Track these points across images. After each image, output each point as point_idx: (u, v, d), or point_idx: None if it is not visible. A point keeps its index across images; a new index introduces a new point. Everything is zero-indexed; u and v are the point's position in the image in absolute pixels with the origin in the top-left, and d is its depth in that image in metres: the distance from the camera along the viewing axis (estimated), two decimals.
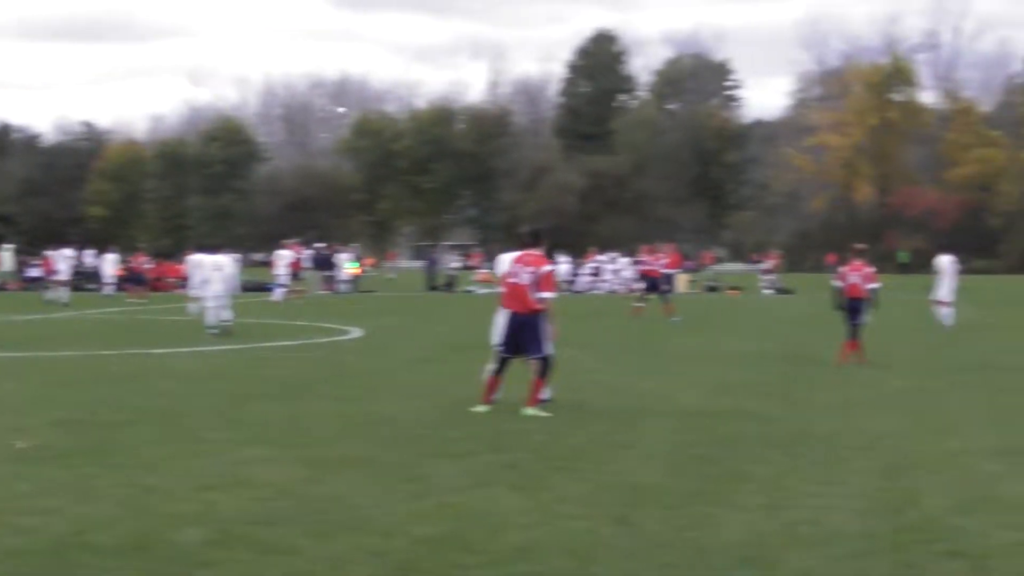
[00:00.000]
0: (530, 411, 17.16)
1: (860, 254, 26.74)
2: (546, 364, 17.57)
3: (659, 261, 44.73)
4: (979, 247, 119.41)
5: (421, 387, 20.90)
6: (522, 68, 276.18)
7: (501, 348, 17.91)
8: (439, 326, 38.61)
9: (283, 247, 59.45)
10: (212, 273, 34.13)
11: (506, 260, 18.67)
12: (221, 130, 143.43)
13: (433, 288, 71.27)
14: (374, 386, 21.05)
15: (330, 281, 68.88)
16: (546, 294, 17.48)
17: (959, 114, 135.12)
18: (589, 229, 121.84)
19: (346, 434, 15.31)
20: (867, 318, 25.76)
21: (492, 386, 17.81)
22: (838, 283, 26.40)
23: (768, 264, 75.33)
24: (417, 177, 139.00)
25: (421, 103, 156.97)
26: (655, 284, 43.66)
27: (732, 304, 52.00)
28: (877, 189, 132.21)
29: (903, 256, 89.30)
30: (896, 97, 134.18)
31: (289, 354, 28.22)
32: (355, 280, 70.65)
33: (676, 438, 15.12)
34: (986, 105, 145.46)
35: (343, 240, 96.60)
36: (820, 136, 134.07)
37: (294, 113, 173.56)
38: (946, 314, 36.23)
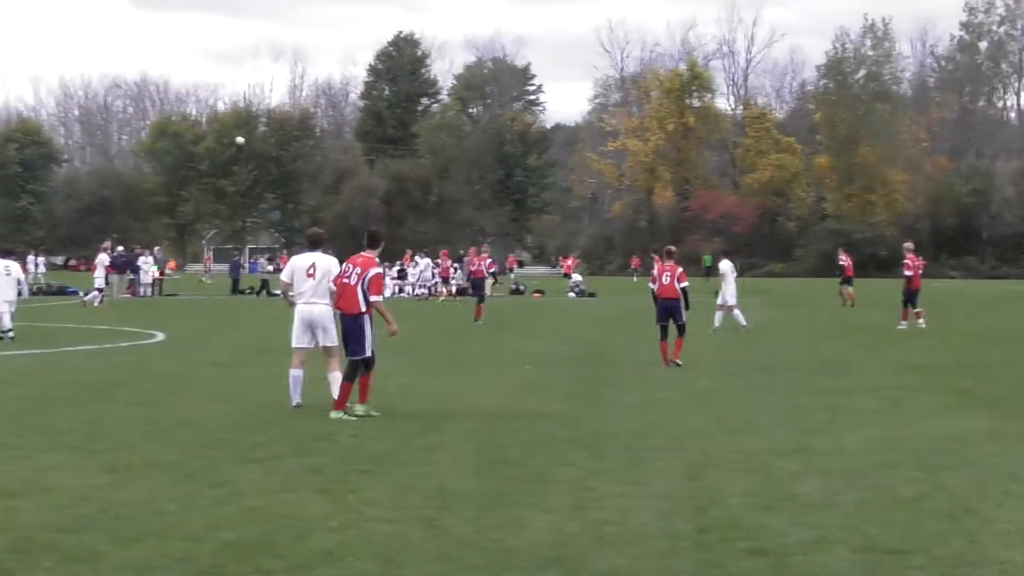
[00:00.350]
0: (336, 415, 17.10)
1: (671, 256, 27.14)
2: (366, 365, 17.47)
3: (484, 262, 44.97)
4: (775, 251, 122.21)
5: (224, 391, 20.69)
6: (324, 71, 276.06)
7: (347, 352, 17.72)
8: (242, 330, 38.29)
9: (102, 250, 58.71)
10: (2, 278, 33.07)
11: (297, 263, 18.60)
12: (17, 131, 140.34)
13: (239, 292, 70.52)
14: (177, 390, 20.77)
15: (132, 284, 67.77)
16: (373, 296, 17.37)
17: (754, 120, 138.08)
18: (393, 232, 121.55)
19: (149, 439, 15.08)
20: (685, 317, 26.09)
21: (364, 386, 17.59)
22: (652, 285, 26.77)
23: (564, 267, 76.58)
24: (219, 180, 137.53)
25: (222, 105, 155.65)
26: (479, 285, 43.80)
27: (537, 307, 52.41)
28: (677, 193, 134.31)
29: (707, 259, 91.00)
30: (694, 103, 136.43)
31: (91, 358, 27.70)
32: (157, 283, 69.62)
33: (482, 440, 15.17)
34: (780, 111, 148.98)
35: (144, 243, 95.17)
36: (620, 141, 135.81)
37: (92, 115, 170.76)
38: (738, 315, 36.96)
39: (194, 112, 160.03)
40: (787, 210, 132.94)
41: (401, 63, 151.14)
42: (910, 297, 38.40)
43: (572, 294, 69.04)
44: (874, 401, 19.49)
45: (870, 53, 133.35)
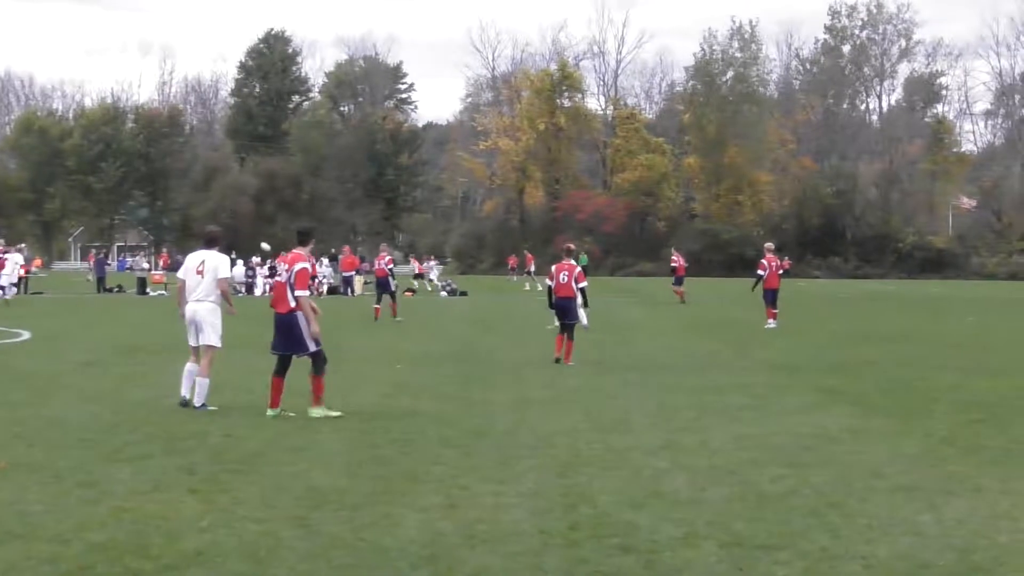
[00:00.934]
0: (315, 412, 17.12)
1: (569, 254, 27.37)
2: (320, 361, 17.46)
3: (384, 260, 44.75)
4: (645, 250, 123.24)
5: (92, 390, 20.44)
6: (193, 67, 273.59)
7: (272, 347, 17.68)
8: (109, 328, 37.80)
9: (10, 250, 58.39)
10: None
11: (189, 262, 18.55)
12: None
13: (105, 290, 69.66)
14: (43, 389, 20.49)
15: None
16: (298, 292, 17.30)
17: (624, 121, 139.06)
18: (264, 230, 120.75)
19: (15, 439, 14.88)
20: (582, 318, 26.30)
21: (277, 388, 17.50)
22: (549, 282, 26.96)
23: (418, 267, 77.30)
24: (86, 177, 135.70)
25: (89, 101, 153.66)
26: (385, 284, 43.63)
27: (408, 305, 52.26)
28: (547, 193, 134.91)
29: (583, 259, 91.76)
30: (565, 103, 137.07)
31: None
32: (22, 281, 68.55)
33: (353, 439, 15.16)
34: (649, 112, 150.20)
35: (9, 240, 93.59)
36: (492, 140, 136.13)
37: None
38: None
39: (61, 108, 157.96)
40: (656, 210, 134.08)
41: (272, 60, 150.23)
42: (770, 296, 38.94)
43: (444, 293, 69.08)
44: (742, 399, 19.74)
45: (737, 55, 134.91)
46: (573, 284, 26.24)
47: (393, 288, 43.62)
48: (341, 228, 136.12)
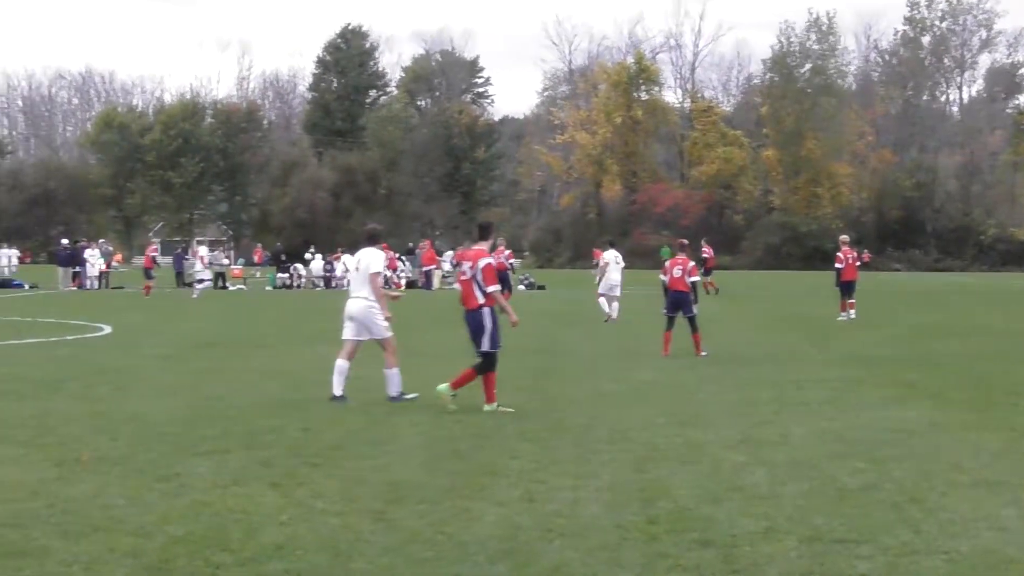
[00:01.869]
0: (489, 407, 17.15)
1: (682, 249, 27.60)
2: (489, 359, 17.43)
3: (503, 255, 45.27)
4: (723, 243, 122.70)
5: (172, 384, 20.61)
6: (271, 63, 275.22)
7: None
8: (188, 323, 38.09)
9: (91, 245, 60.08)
10: None
11: (350, 259, 18.82)
12: None
13: (184, 285, 70.19)
14: (125, 384, 20.68)
15: (78, 277, 67.44)
16: (489, 288, 17.35)
17: (701, 114, 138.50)
18: (341, 225, 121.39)
19: (97, 433, 15.01)
20: (695, 310, 26.65)
21: (487, 386, 17.55)
22: (663, 277, 27.18)
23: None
24: (166, 172, 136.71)
25: (168, 97, 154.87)
26: (503, 278, 43.98)
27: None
28: (624, 186, 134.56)
29: (666, 252, 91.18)
30: (641, 96, 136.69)
31: (37, 351, 27.53)
32: (104, 276, 69.29)
33: (432, 433, 15.18)
34: (726, 105, 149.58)
35: (90, 236, 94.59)
36: (568, 134, 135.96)
37: (36, 106, 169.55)
38: (602, 304, 37.82)
39: (140, 104, 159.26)
40: (734, 203, 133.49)
41: (349, 55, 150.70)
42: (844, 289, 38.79)
43: (522, 287, 69.09)
44: (821, 392, 19.60)
45: (815, 47, 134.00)
46: (686, 278, 26.55)
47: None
48: (418, 223, 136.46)
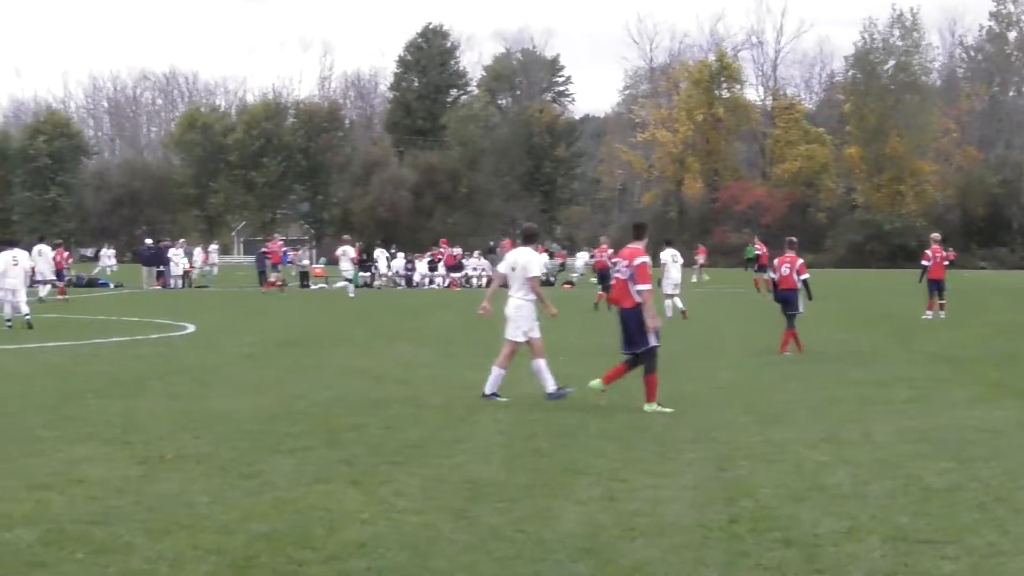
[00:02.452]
0: (649, 407, 17.14)
1: (791, 246, 27.59)
2: (651, 357, 17.43)
3: (605, 253, 45.66)
4: (805, 241, 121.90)
5: (255, 383, 20.74)
6: (353, 62, 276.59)
7: (621, 347, 17.81)
8: (270, 322, 38.33)
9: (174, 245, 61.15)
10: (10, 267, 34.00)
11: (508, 258, 18.90)
12: (46, 124, 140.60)
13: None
14: (208, 382, 20.84)
15: (162, 277, 68.03)
16: (642, 286, 17.39)
17: (783, 111, 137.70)
18: (423, 224, 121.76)
19: (181, 431, 15.13)
20: (801, 308, 26.71)
21: (619, 371, 17.76)
22: (772, 275, 27.23)
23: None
24: (248, 171, 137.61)
25: (251, 97, 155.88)
26: (606, 275, 44.44)
27: (568, 298, 52.19)
28: (706, 184, 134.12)
29: (750, 251, 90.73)
30: (723, 94, 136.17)
31: (122, 350, 27.79)
32: (187, 275, 69.87)
33: (512, 431, 15.18)
34: (808, 102, 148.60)
35: (174, 235, 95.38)
36: (650, 132, 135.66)
37: (121, 107, 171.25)
38: (668, 305, 37.78)
39: (223, 104, 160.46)
40: (817, 201, 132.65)
41: (430, 54, 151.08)
42: (933, 287, 38.39)
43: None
44: (906, 391, 19.45)
45: (899, 44, 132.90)
46: (795, 276, 26.53)
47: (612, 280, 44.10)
48: (499, 221, 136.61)
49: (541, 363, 18.43)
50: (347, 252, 59.89)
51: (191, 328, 34.22)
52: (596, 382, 17.56)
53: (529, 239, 19.26)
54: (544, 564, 9.08)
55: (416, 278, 71.82)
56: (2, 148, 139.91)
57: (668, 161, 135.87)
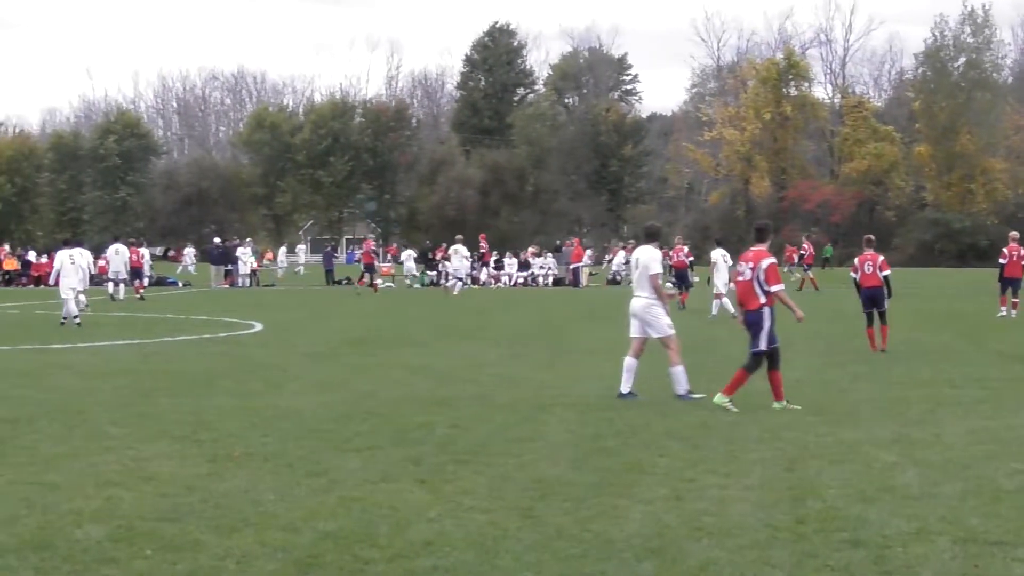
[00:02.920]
0: (720, 400, 17.18)
1: (869, 244, 27.61)
2: (755, 360, 17.45)
3: (683, 252, 45.89)
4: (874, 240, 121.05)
5: (323, 381, 20.83)
6: (420, 61, 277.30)
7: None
8: (337, 320, 38.49)
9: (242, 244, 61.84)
10: (68, 266, 34.77)
11: (630, 256, 18.98)
12: (116, 124, 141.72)
13: (334, 282, 70.90)
14: (276, 380, 20.95)
15: (230, 275, 68.51)
16: (774, 287, 17.45)
17: (852, 109, 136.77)
18: (489, 223, 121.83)
19: (249, 428, 15.22)
20: (887, 304, 26.75)
21: (776, 382, 17.56)
22: (853, 275, 27.26)
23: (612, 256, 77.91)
24: (315, 171, 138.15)
25: (319, 96, 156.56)
26: (683, 276, 44.78)
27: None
28: (773, 183, 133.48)
29: (828, 250, 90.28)
30: (791, 92, 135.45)
31: (191, 348, 27.99)
32: (254, 274, 70.29)
33: (579, 430, 15.16)
34: (878, 100, 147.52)
35: (242, 234, 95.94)
36: (717, 130, 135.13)
37: (190, 107, 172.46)
38: (716, 304, 38.19)
39: (291, 103, 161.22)
40: (885, 199, 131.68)
41: (497, 53, 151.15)
42: (1007, 285, 38.07)
43: (669, 284, 68.75)
44: (977, 392, 19.28)
45: (970, 40, 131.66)
46: (879, 273, 26.57)
47: (692, 280, 44.41)
48: (565, 220, 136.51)
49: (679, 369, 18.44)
50: (459, 251, 60.19)
51: (259, 326, 34.42)
52: (719, 397, 17.37)
53: (651, 237, 19.17)
54: (610, 563, 9.06)
55: (483, 277, 71.91)
56: (73, 148, 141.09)
57: (735, 160, 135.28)
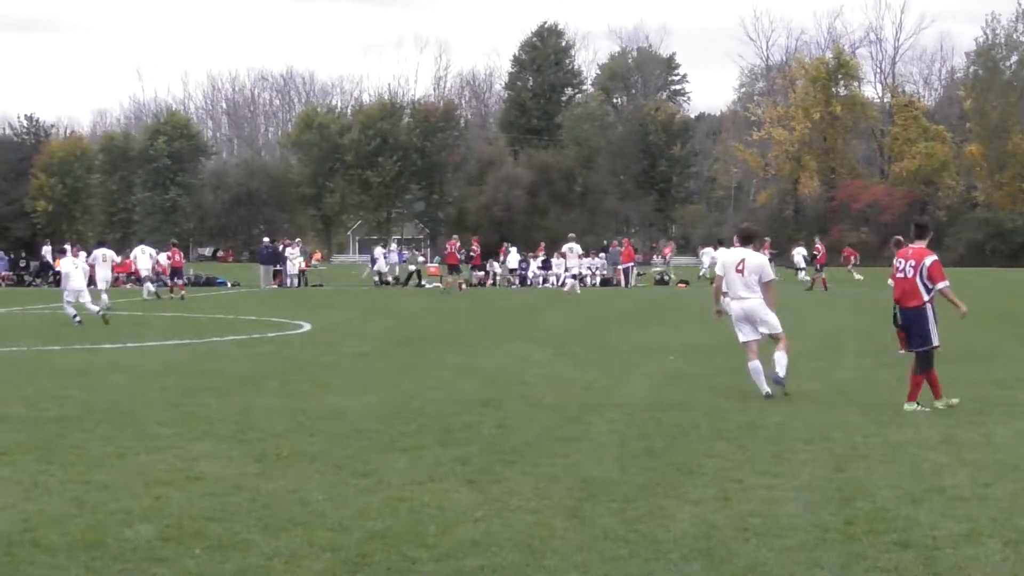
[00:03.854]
0: (909, 407, 17.04)
1: (899, 245, 27.41)
2: (927, 358, 17.42)
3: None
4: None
5: (370, 381, 20.85)
6: (468, 62, 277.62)
7: (909, 346, 17.90)
8: (385, 321, 38.54)
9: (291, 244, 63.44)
10: (72, 269, 36.32)
11: (727, 259, 18.83)
12: (166, 125, 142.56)
13: (382, 283, 71.00)
14: (324, 380, 20.99)
15: (279, 275, 68.73)
16: (939, 284, 17.54)
17: (902, 108, 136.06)
18: (537, 223, 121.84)
19: (297, 428, 15.26)
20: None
21: (933, 382, 17.49)
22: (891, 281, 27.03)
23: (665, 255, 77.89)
24: (364, 171, 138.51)
25: (367, 97, 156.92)
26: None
27: (682, 297, 52.24)
28: (823, 183, 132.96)
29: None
30: (840, 92, 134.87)
31: (239, 348, 28.10)
32: (303, 274, 70.48)
33: (626, 431, 15.13)
34: (928, 99, 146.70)
35: (291, 235, 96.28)
36: (765, 130, 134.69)
37: (240, 107, 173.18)
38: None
39: (339, 104, 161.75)
40: (936, 199, 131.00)
41: (545, 53, 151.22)
42: None
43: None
44: None
45: (1022, 39, 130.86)
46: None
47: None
48: (614, 220, 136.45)
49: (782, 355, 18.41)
50: (574, 249, 60.23)
51: (307, 327, 34.51)
52: (908, 405, 17.21)
53: (747, 240, 18.98)
54: (657, 564, 9.04)
55: (529, 276, 71.91)
56: (123, 149, 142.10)
57: (784, 159, 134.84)
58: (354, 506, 10.83)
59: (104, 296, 40.90)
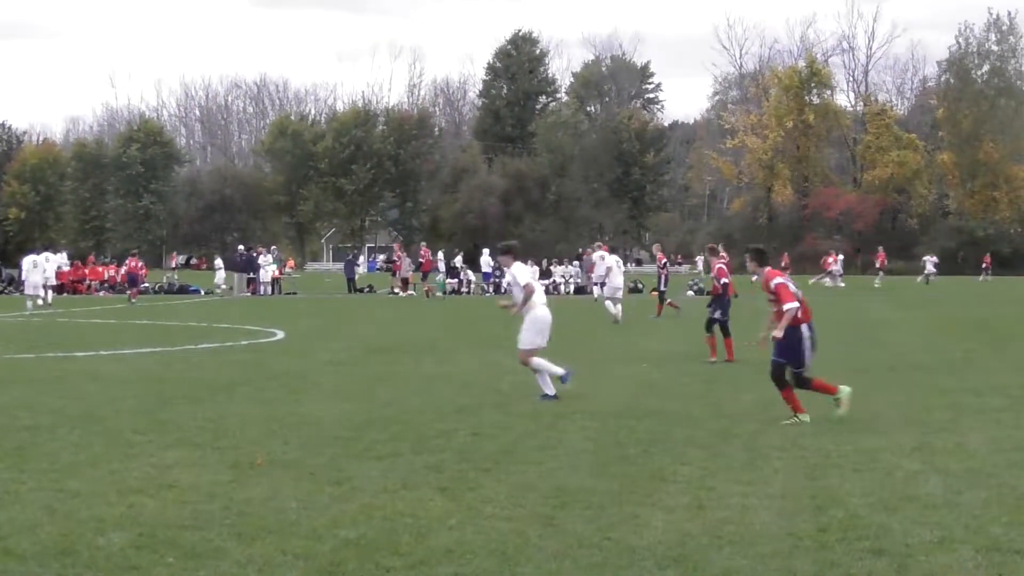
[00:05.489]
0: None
1: (715, 253, 27.68)
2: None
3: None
4: (897, 248, 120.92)
5: (344, 389, 20.84)
6: (442, 70, 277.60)
7: None
8: (359, 328, 38.50)
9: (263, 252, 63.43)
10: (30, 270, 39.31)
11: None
12: (139, 132, 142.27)
13: (355, 291, 70.94)
14: (297, 388, 20.96)
15: (253, 283, 68.62)
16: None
17: (874, 117, 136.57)
18: (511, 231, 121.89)
19: (271, 436, 15.24)
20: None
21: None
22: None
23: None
24: (337, 179, 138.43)
25: (341, 104, 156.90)
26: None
27: (654, 305, 52.10)
28: (796, 191, 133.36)
29: None
30: (813, 100, 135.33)
31: (212, 356, 28.03)
32: (276, 282, 70.38)
33: (600, 439, 15.14)
34: (900, 108, 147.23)
35: (264, 242, 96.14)
36: (739, 138, 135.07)
37: (213, 115, 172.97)
38: (608, 306, 39.93)
39: (313, 111, 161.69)
40: (908, 207, 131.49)
41: (519, 61, 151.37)
42: None
43: (691, 292, 68.69)
44: (999, 400, 19.19)
45: (994, 48, 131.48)
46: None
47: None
48: (587, 227, 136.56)
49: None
50: (605, 257, 60.01)
51: (281, 334, 34.47)
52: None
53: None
54: (632, 571, 9.06)
55: (504, 284, 71.85)
56: (96, 156, 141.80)
57: (758, 167, 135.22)
58: (328, 514, 10.82)
59: (28, 303, 42.12)
